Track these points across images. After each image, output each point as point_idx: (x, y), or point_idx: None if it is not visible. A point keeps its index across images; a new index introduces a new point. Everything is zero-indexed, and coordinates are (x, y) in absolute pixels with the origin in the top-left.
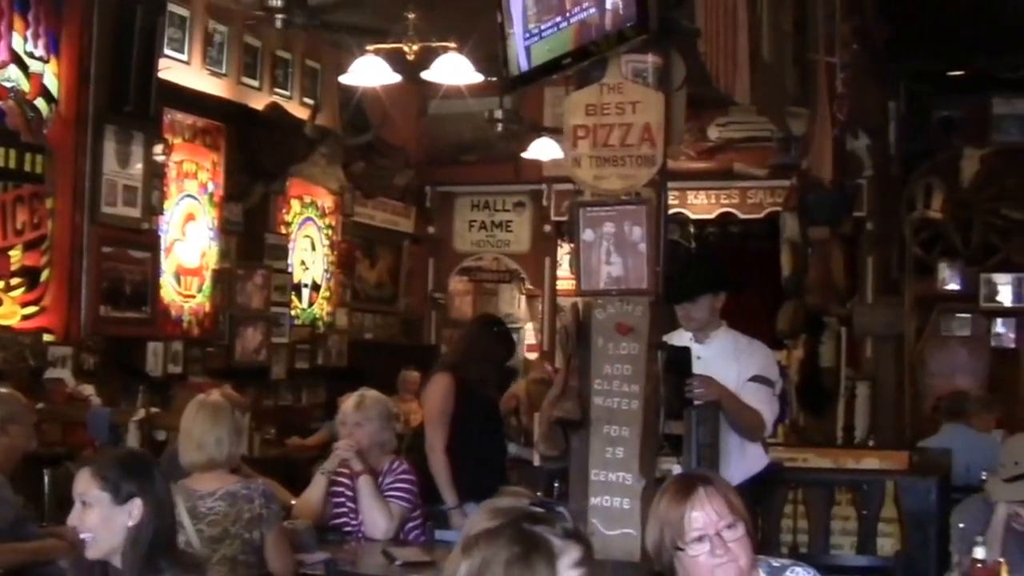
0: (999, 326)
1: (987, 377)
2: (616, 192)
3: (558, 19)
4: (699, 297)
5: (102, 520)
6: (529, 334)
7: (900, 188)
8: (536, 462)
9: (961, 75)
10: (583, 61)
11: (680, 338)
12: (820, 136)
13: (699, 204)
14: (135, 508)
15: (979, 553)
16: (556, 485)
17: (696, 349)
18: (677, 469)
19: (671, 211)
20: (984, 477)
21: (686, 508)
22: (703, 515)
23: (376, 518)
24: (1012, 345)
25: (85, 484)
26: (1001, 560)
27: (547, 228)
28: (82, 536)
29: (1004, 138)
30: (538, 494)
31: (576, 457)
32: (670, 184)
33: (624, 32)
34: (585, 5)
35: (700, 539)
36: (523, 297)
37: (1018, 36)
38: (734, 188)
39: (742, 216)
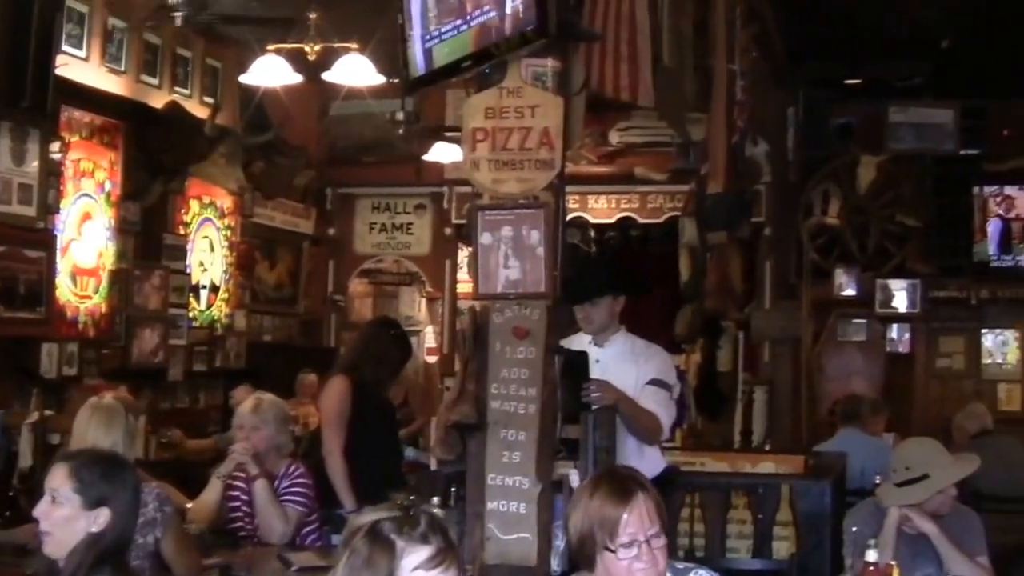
0: (894, 331)
1: (882, 381)
2: (514, 196)
3: (458, 22)
4: (599, 299)
5: (66, 520)
6: (430, 337)
7: (798, 194)
8: (433, 466)
9: (858, 83)
10: (482, 64)
11: (579, 342)
12: (715, 142)
13: (599, 208)
14: (102, 516)
15: (871, 556)
16: (453, 489)
17: (595, 353)
18: (574, 473)
19: (571, 215)
20: (878, 481)
21: (623, 512)
22: (638, 521)
23: (272, 522)
24: (906, 350)
25: (59, 480)
26: (893, 563)
27: (448, 231)
28: (42, 529)
29: (900, 145)
30: (435, 499)
31: (473, 461)
32: (571, 188)
33: (524, 35)
34: (485, 8)
35: (630, 544)
36: (424, 300)
37: (913, 45)
38: (634, 193)
39: (642, 220)
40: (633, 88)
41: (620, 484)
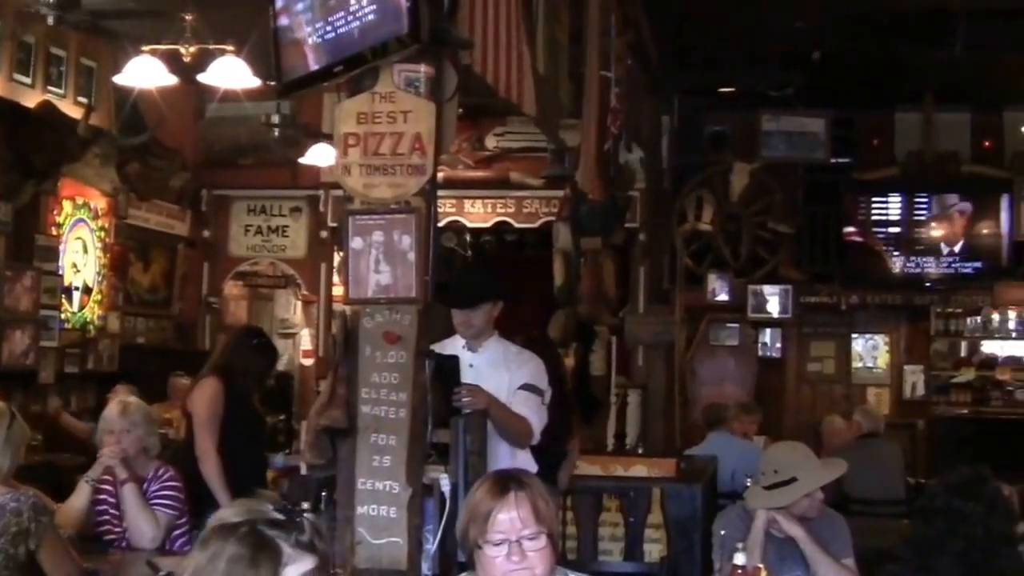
0: (766, 336)
1: (754, 385)
2: (386, 201)
3: (332, 26)
4: (481, 305)
5: None
6: (305, 340)
7: (672, 200)
8: (303, 470)
9: (732, 92)
10: (355, 69)
11: (453, 346)
12: (592, 148)
13: (476, 213)
14: None
15: (739, 559)
16: (324, 494)
17: (468, 357)
18: (444, 478)
19: (448, 219)
20: (748, 484)
21: (494, 508)
22: (508, 520)
23: (142, 527)
24: (778, 354)
25: None
26: (760, 566)
27: (324, 234)
28: None
29: (772, 153)
30: (305, 504)
31: (343, 466)
32: (447, 192)
33: (397, 41)
34: (359, 13)
35: (501, 542)
36: (299, 303)
37: (786, 56)
38: (510, 197)
39: (518, 225)
40: (518, 94)
41: (499, 481)
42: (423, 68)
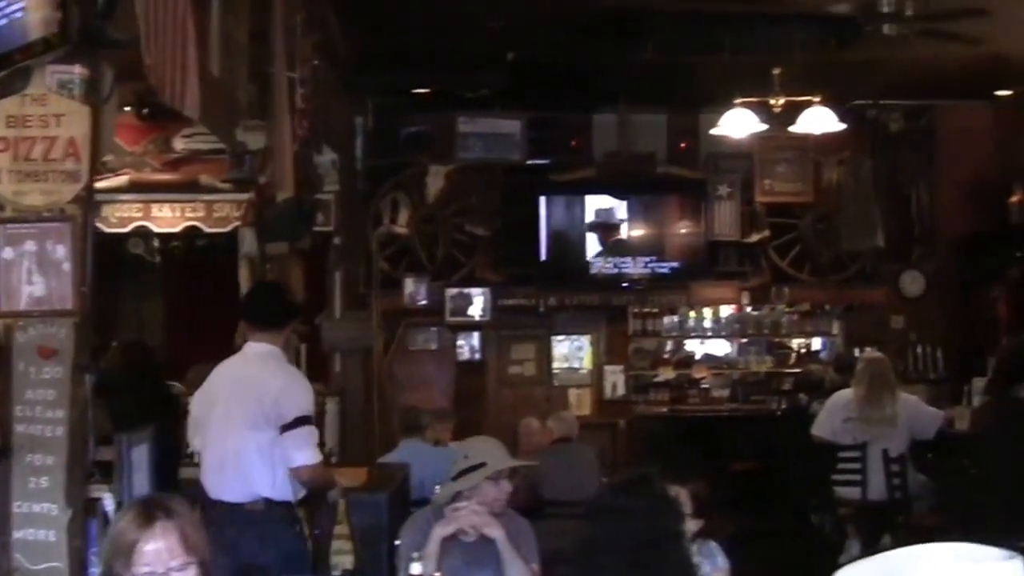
0: (465, 339)
1: (454, 389)
2: (38, 208)
3: None
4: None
5: None
6: None
7: (367, 203)
8: None
9: (427, 93)
10: (2, 70)
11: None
12: (278, 151)
13: (164, 217)
14: None
15: (415, 569)
16: None
17: None
18: (108, 497)
19: (134, 224)
20: (437, 490)
21: (139, 539)
22: (154, 551)
23: None
24: (478, 357)
25: None
26: (438, 574)
27: None
28: None
29: (468, 155)
30: None
31: None
32: (134, 196)
33: (44, 41)
34: (7, 11)
35: (148, 575)
36: None
37: (480, 56)
38: (200, 201)
39: (208, 230)
40: (181, 96)
41: (144, 510)
42: (77, 69)
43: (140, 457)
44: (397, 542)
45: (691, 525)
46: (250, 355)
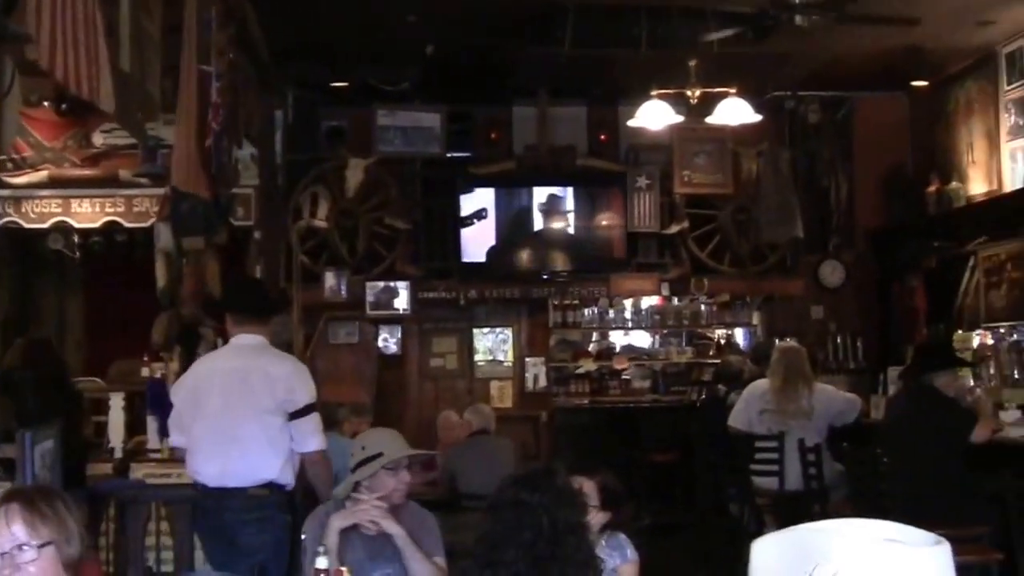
0: (384, 333)
1: (376, 383)
2: None
3: None
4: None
5: None
6: None
7: (287, 197)
8: None
9: (347, 86)
10: None
11: None
12: (182, 146)
13: (84, 212)
14: None
15: (321, 563)
16: None
17: None
18: None
19: (54, 219)
20: None
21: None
22: (5, 530)
23: None
24: (397, 351)
25: None
26: (343, 568)
27: None
28: None
29: (387, 148)
30: None
31: None
32: (53, 192)
33: None
34: None
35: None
36: None
37: (399, 50)
38: (119, 196)
39: (128, 225)
40: (94, 90)
41: (8, 495)
42: None
43: (45, 454)
44: (303, 535)
45: (599, 517)
46: (242, 347)
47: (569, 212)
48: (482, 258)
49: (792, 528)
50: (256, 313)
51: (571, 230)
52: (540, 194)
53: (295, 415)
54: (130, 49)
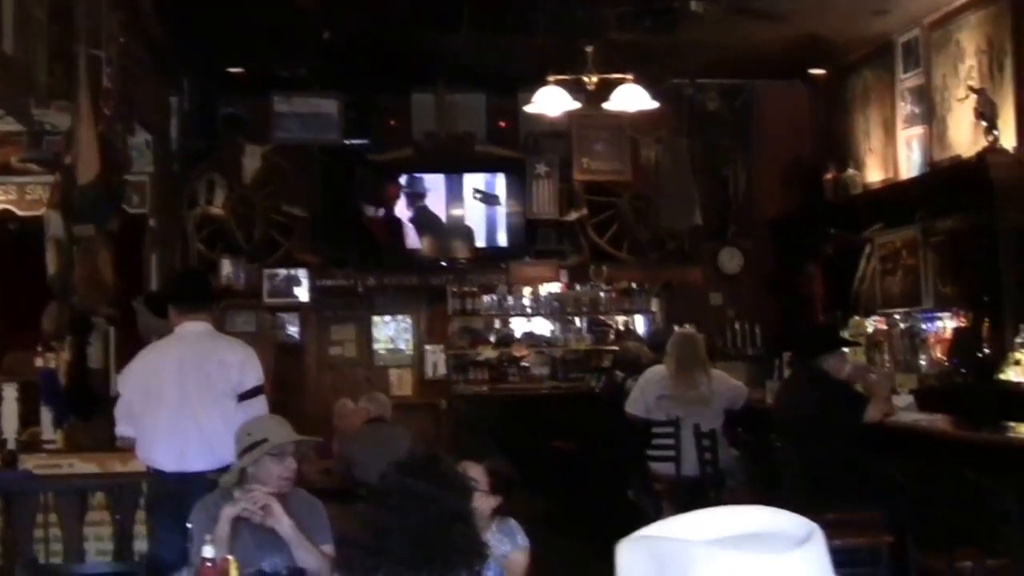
0: (284, 321)
1: (275, 372)
2: None
3: None
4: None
5: None
6: None
7: (183, 184)
8: None
9: (243, 72)
10: None
11: None
12: (83, 131)
13: None
14: None
15: (207, 552)
16: None
17: None
18: None
19: None
20: None
21: None
22: None
23: None
24: (297, 339)
25: None
26: (230, 557)
27: None
28: None
29: (285, 135)
30: None
31: None
32: None
33: None
34: None
35: None
36: None
37: (296, 36)
38: (11, 184)
39: (21, 213)
40: None
41: None
42: None
43: None
44: (189, 524)
45: (490, 502)
46: (188, 335)
47: (470, 199)
48: (379, 246)
49: (656, 530)
50: (202, 302)
51: (470, 218)
52: (435, 181)
53: (244, 396)
54: (14, 32)
